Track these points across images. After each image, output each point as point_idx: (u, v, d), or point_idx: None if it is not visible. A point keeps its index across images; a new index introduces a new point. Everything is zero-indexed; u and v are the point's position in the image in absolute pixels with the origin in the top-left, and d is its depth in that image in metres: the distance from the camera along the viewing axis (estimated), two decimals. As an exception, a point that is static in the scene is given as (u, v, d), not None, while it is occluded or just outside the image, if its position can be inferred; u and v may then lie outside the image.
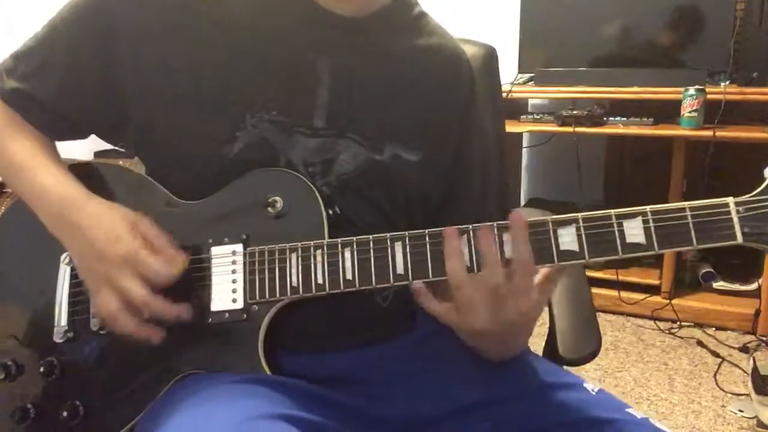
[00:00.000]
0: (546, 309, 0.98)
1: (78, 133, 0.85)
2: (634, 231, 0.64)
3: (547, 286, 0.68)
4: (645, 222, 0.63)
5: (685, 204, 0.62)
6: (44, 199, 0.76)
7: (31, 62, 0.80)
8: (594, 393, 0.76)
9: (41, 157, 0.79)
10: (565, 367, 0.88)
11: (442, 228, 0.68)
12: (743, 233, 0.61)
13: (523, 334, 0.77)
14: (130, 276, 0.70)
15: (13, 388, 0.79)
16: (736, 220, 0.61)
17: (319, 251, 0.71)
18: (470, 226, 0.67)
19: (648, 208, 0.63)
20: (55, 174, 0.78)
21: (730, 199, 0.61)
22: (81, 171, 0.81)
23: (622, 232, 0.64)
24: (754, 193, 0.61)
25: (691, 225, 0.62)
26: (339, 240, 0.71)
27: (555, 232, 0.66)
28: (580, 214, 0.65)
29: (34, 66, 0.80)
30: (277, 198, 0.74)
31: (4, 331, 0.82)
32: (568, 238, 0.65)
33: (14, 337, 0.81)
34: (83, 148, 0.88)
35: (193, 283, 0.74)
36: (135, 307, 0.70)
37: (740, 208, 0.60)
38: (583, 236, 0.65)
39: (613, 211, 0.64)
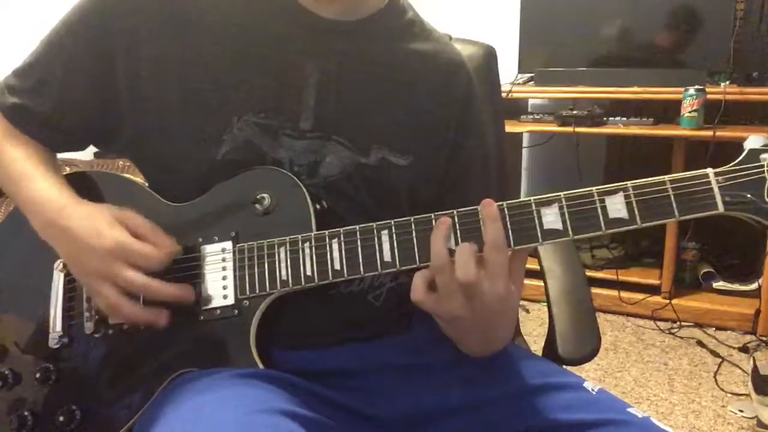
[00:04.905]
0: (546, 309, 0.98)
1: (75, 145, 0.86)
2: (617, 206, 0.63)
3: (516, 265, 0.68)
4: (627, 197, 0.63)
5: (666, 177, 0.62)
6: (37, 207, 0.77)
7: (29, 79, 0.81)
8: (594, 393, 0.75)
9: (37, 168, 0.80)
10: (565, 366, 0.87)
11: (429, 215, 0.68)
12: (724, 202, 0.60)
13: (504, 325, 0.75)
14: (122, 265, 0.70)
15: (10, 396, 0.80)
16: (716, 190, 0.60)
17: (307, 244, 0.72)
18: (455, 211, 0.67)
19: (629, 183, 0.64)
20: (49, 183, 0.78)
21: (710, 170, 0.61)
22: (76, 180, 0.82)
23: (604, 208, 0.64)
24: (733, 163, 0.61)
25: (672, 197, 0.62)
26: (326, 232, 0.72)
27: (538, 212, 0.65)
28: (562, 193, 0.65)
29: (33, 82, 0.81)
30: (265, 195, 0.75)
31: (1, 339, 0.82)
32: (551, 218, 0.65)
33: (11, 345, 0.82)
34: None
35: (185, 282, 0.75)
36: (134, 295, 0.71)
37: (720, 178, 0.60)
38: (566, 214, 0.65)
39: (594, 188, 0.64)
